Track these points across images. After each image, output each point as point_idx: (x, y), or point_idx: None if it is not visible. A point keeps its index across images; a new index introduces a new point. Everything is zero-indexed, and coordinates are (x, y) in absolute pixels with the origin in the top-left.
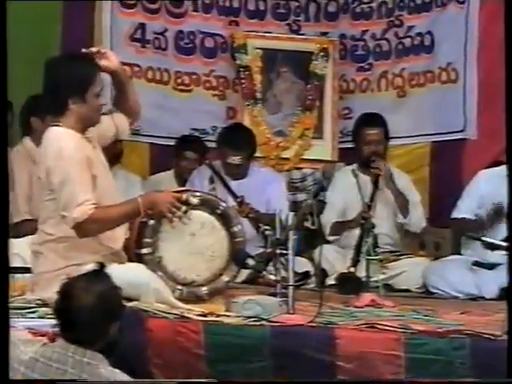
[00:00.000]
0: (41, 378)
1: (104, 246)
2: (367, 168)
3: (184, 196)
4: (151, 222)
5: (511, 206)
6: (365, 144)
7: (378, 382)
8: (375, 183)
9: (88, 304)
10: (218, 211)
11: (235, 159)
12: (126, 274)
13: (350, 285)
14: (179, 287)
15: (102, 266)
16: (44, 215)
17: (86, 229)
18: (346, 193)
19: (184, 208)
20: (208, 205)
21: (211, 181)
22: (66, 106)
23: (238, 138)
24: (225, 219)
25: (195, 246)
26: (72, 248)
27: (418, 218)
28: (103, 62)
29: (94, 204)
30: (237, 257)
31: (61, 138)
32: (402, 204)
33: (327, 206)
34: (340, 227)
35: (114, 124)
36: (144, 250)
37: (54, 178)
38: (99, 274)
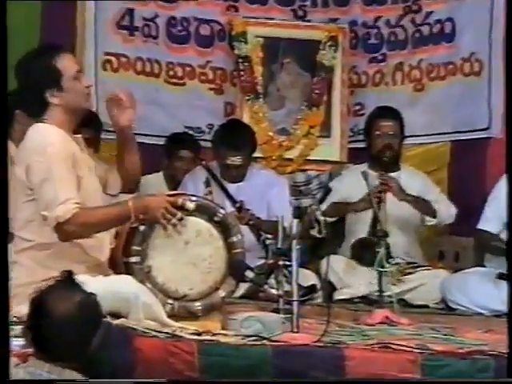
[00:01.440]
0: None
1: (89, 255)
2: (379, 165)
3: (179, 200)
4: (142, 227)
5: (511, 209)
6: (377, 137)
7: (380, 381)
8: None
9: (64, 316)
10: (216, 218)
11: (234, 159)
12: (112, 287)
13: (369, 253)
14: (170, 301)
15: (69, 273)
16: (22, 219)
17: (68, 230)
18: (353, 189)
19: (179, 214)
20: (205, 211)
21: (207, 184)
22: (45, 101)
23: (236, 136)
24: (223, 228)
25: (189, 255)
26: (54, 256)
27: (446, 210)
28: (117, 115)
29: (77, 204)
30: (235, 269)
31: (45, 134)
32: (425, 207)
33: (330, 193)
34: (340, 208)
35: (104, 175)
36: (132, 259)
37: (35, 176)
38: (71, 282)
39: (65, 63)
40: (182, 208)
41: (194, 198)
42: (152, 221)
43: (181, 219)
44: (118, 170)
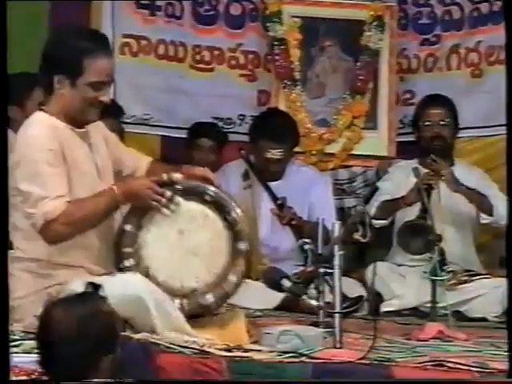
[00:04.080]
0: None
1: (87, 252)
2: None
3: (164, 176)
4: (128, 227)
5: (511, 208)
6: (426, 127)
7: (382, 381)
8: (428, 190)
9: (67, 332)
10: (207, 198)
11: (275, 153)
12: (117, 288)
13: (417, 238)
14: (177, 300)
15: (94, 286)
16: (12, 224)
17: (56, 230)
18: (403, 188)
19: (168, 192)
20: (193, 192)
21: (245, 176)
22: (51, 85)
23: (277, 127)
24: (217, 206)
25: (187, 245)
26: (48, 264)
27: (504, 209)
28: None
29: (67, 201)
30: (269, 277)
31: (34, 126)
32: (481, 201)
33: (377, 192)
34: (390, 207)
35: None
36: (126, 263)
37: (20, 173)
38: (87, 295)
39: (95, 67)
40: (169, 185)
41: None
42: (142, 205)
43: (171, 198)
44: None
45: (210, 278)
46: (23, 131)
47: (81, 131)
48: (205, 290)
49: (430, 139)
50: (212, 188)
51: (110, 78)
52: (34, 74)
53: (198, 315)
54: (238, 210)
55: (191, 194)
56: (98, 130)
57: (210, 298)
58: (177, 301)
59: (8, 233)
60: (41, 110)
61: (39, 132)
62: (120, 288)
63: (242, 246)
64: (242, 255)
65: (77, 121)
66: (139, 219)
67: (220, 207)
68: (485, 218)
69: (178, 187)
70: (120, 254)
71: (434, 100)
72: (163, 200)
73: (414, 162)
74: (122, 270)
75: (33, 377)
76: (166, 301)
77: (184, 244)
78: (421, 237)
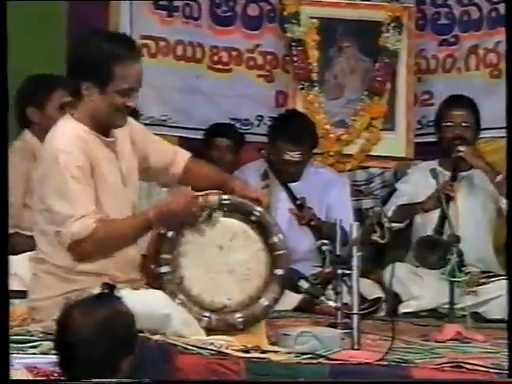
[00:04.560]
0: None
1: (113, 262)
2: (450, 161)
3: (200, 199)
4: (170, 233)
5: (511, 208)
6: (448, 128)
7: (399, 382)
8: (454, 171)
9: (88, 334)
10: (252, 218)
11: (293, 155)
12: (138, 303)
13: (433, 253)
14: (206, 314)
15: (110, 287)
16: (38, 228)
17: (85, 249)
18: (421, 190)
19: (207, 210)
20: (238, 210)
21: (264, 176)
22: (79, 91)
23: (295, 129)
24: (261, 228)
25: (225, 261)
26: (72, 271)
27: None
28: None
29: (95, 219)
30: (286, 278)
31: (63, 138)
32: (501, 181)
33: (395, 194)
34: (407, 211)
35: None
36: (162, 269)
37: (47, 188)
38: (105, 297)
39: (125, 73)
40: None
41: (225, 197)
42: (181, 223)
43: (210, 215)
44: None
45: (241, 297)
46: (51, 141)
47: (108, 140)
48: (234, 309)
49: (451, 140)
50: (258, 208)
51: (139, 83)
52: (53, 76)
53: (223, 331)
54: (281, 235)
55: (237, 211)
56: (125, 128)
57: (238, 317)
58: (205, 314)
59: (8, 233)
60: (69, 114)
61: (67, 145)
62: (139, 304)
63: (279, 272)
64: (277, 281)
65: (104, 126)
66: (182, 228)
67: (263, 229)
68: (504, 203)
69: (225, 202)
70: (157, 259)
71: (457, 101)
72: (204, 214)
73: (433, 163)
74: (156, 275)
75: (51, 378)
76: (189, 321)
77: (222, 260)
78: (437, 251)
